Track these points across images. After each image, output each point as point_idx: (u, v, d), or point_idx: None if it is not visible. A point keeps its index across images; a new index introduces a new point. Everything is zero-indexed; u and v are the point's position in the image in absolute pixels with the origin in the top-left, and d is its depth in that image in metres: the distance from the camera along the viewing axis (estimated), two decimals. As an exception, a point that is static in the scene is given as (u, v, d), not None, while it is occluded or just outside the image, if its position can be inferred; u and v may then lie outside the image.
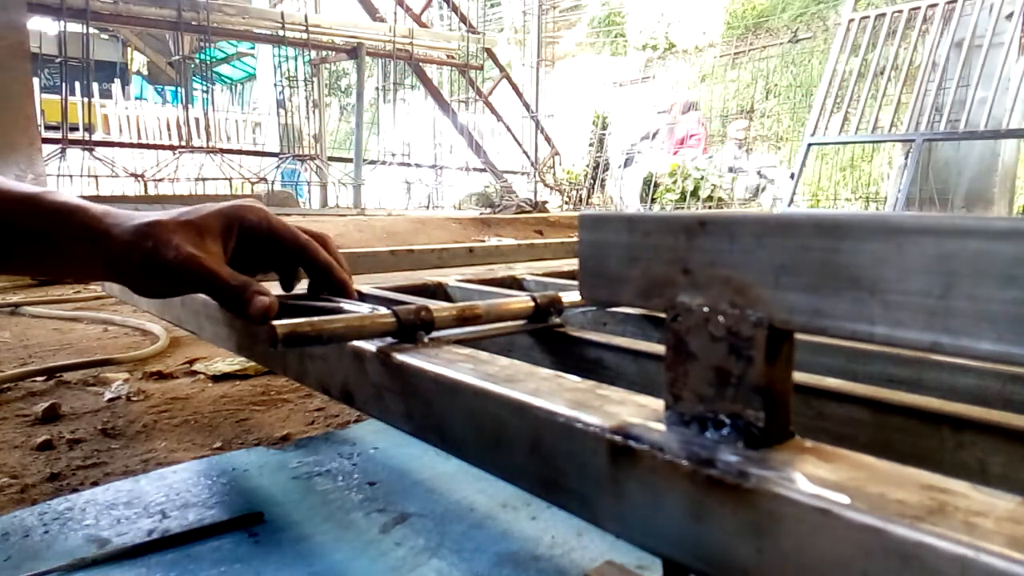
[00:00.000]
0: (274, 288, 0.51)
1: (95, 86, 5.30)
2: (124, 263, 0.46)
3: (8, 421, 0.84)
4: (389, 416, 0.36)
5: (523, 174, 5.91)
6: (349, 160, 5.33)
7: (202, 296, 0.56)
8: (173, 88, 7.91)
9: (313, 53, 5.18)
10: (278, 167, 4.95)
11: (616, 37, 8.99)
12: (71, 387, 0.99)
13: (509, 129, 5.79)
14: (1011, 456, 0.27)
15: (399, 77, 5.40)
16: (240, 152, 5.43)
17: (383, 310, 0.38)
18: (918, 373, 0.37)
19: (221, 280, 0.46)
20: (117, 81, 7.12)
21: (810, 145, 3.61)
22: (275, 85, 5.17)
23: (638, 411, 0.25)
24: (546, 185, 5.98)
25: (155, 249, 0.45)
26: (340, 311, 0.43)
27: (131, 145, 5.81)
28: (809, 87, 6.27)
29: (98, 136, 6.03)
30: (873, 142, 4.25)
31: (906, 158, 3.47)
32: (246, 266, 0.50)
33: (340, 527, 0.58)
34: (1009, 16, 3.13)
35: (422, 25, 5.55)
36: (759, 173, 6.02)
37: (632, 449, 0.22)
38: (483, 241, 3.05)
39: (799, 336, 0.21)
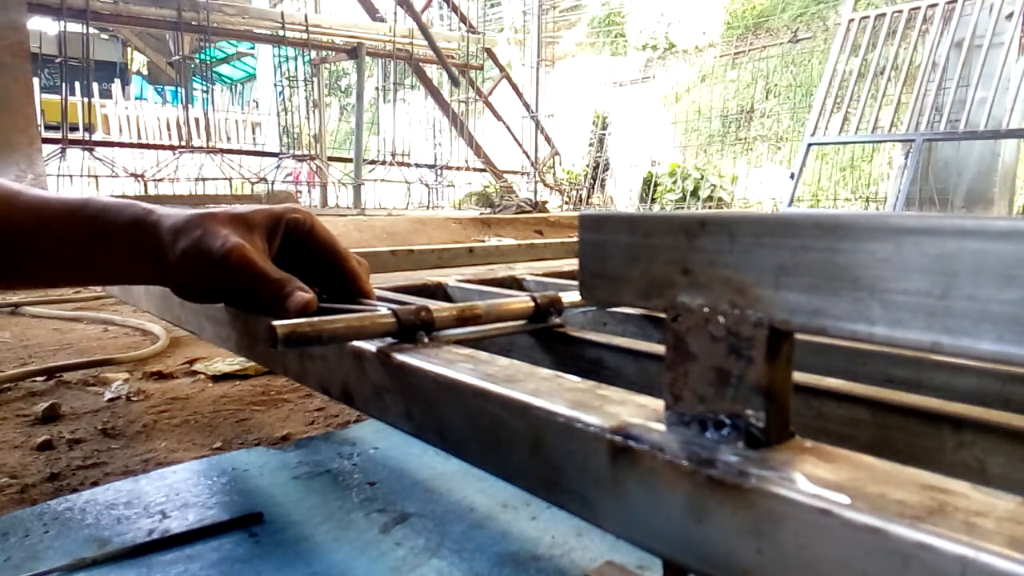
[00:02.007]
0: None
1: (95, 86, 5.30)
2: (171, 252, 0.47)
3: (8, 421, 0.84)
4: (389, 416, 0.36)
5: (523, 174, 5.91)
6: (349, 160, 5.33)
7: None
8: (173, 88, 7.92)
9: (313, 53, 5.18)
10: (278, 167, 4.95)
11: (616, 37, 8.99)
12: (71, 387, 0.99)
13: (509, 129, 5.79)
14: (1011, 456, 0.27)
15: (399, 77, 5.40)
16: (240, 152, 5.43)
17: (383, 310, 0.38)
18: (918, 373, 0.37)
19: (263, 273, 0.46)
20: (117, 81, 7.13)
21: (810, 145, 3.62)
22: (275, 85, 5.17)
23: (638, 411, 0.25)
24: (546, 185, 5.98)
25: (202, 237, 0.46)
26: (353, 311, 0.43)
27: (131, 145, 5.81)
28: (809, 87, 6.27)
29: (98, 136, 6.04)
30: (873, 142, 4.25)
31: (906, 158, 3.47)
32: (283, 266, 0.50)
33: (340, 527, 0.58)
34: (1009, 16, 3.13)
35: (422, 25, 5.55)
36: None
37: (632, 449, 0.22)
38: (483, 241, 3.05)
39: (799, 336, 0.21)
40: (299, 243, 0.51)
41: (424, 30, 4.86)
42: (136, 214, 0.48)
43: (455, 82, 5.10)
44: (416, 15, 4.90)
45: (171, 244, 0.47)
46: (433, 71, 5.65)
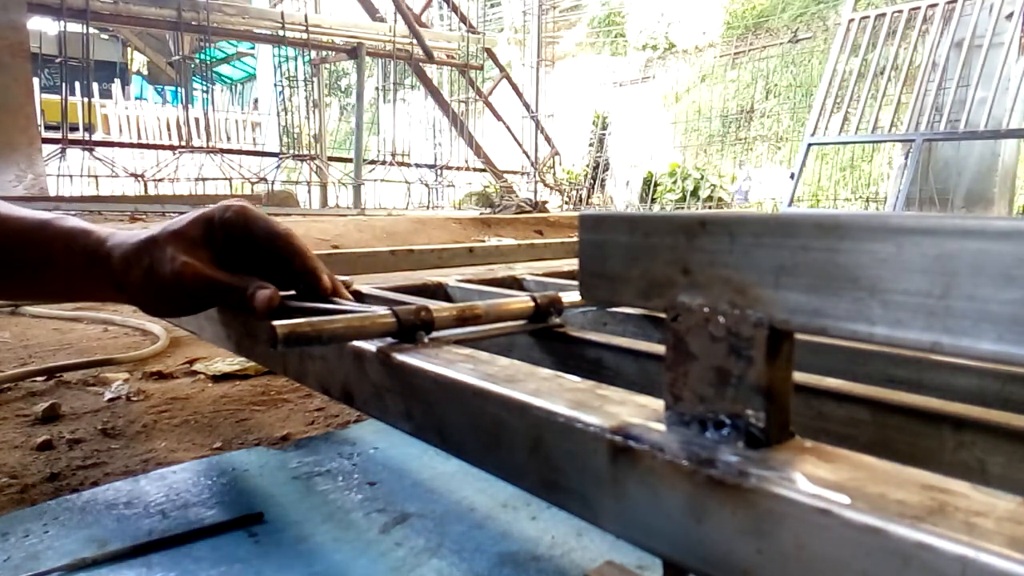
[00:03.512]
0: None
1: (95, 86, 5.30)
2: (127, 283, 0.48)
3: (8, 421, 0.84)
4: (389, 416, 0.36)
5: (523, 174, 5.91)
6: (349, 160, 5.33)
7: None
8: (173, 88, 7.92)
9: (313, 53, 5.18)
10: (278, 167, 4.95)
11: (616, 37, 8.98)
12: (71, 387, 0.99)
13: (509, 129, 5.79)
14: (1011, 456, 0.27)
15: (399, 77, 5.40)
16: (240, 152, 5.44)
17: (383, 310, 0.38)
18: (918, 373, 0.37)
19: (219, 281, 0.46)
20: (117, 81, 7.13)
21: (810, 145, 3.62)
22: (275, 85, 5.17)
23: (638, 411, 0.25)
24: (546, 185, 5.98)
25: (151, 266, 0.47)
26: (339, 311, 0.43)
27: (131, 145, 5.82)
28: (809, 87, 6.27)
29: (98, 136, 6.04)
30: (873, 142, 4.25)
31: (906, 158, 3.47)
32: (238, 268, 0.49)
33: (340, 527, 0.58)
34: (1009, 16, 3.13)
35: (422, 25, 5.55)
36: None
37: (632, 449, 0.22)
38: (483, 241, 3.05)
39: (799, 336, 0.21)
40: (242, 237, 0.49)
41: (413, 30, 4.85)
42: (87, 247, 0.49)
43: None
44: (408, 18, 4.89)
45: (125, 275, 0.48)
46: (433, 71, 5.65)
